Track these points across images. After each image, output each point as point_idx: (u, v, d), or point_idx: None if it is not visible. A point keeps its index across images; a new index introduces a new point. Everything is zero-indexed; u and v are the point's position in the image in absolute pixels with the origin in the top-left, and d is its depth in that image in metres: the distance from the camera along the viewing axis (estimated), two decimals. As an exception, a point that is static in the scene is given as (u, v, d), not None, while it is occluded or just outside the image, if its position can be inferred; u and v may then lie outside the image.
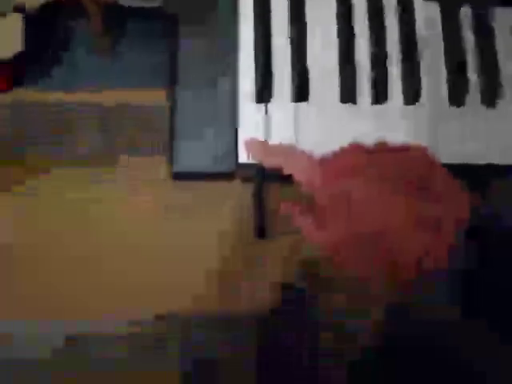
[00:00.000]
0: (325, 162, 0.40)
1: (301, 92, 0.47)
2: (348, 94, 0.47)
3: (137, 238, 0.44)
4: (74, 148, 0.48)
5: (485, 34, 0.49)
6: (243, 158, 0.46)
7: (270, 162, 0.44)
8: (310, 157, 0.41)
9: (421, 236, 0.35)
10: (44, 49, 0.53)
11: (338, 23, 0.49)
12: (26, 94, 0.50)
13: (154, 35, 0.51)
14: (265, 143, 0.46)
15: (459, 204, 0.36)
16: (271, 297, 0.42)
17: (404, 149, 0.40)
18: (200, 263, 0.44)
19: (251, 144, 0.46)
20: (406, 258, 0.35)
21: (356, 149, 0.40)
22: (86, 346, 0.39)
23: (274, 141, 0.46)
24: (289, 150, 0.43)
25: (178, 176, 0.47)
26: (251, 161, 0.46)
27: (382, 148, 0.40)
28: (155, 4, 0.57)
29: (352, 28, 0.49)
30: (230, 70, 0.47)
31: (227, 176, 0.47)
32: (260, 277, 0.43)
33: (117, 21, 0.53)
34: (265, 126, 0.46)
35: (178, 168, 0.46)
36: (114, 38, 0.54)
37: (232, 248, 0.45)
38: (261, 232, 0.48)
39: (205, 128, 0.46)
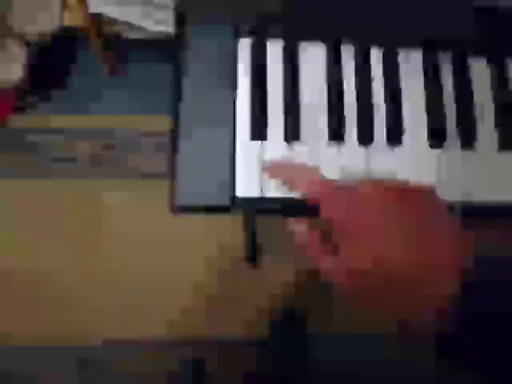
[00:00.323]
0: (343, 189, 0.42)
1: (293, 132, 0.50)
2: (336, 133, 0.51)
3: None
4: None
5: (462, 80, 0.54)
6: (240, 191, 0.48)
7: (288, 184, 0.45)
8: (326, 180, 0.43)
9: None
10: (47, 76, 0.55)
11: (328, 67, 0.52)
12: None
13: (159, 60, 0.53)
14: (288, 162, 0.48)
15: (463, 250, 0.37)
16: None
17: (420, 189, 0.41)
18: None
19: (274, 165, 0.48)
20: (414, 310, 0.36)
21: (374, 184, 0.41)
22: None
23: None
24: (307, 171, 0.45)
25: (178, 210, 0.48)
26: (248, 195, 0.48)
27: (401, 187, 0.41)
28: (161, 36, 0.60)
29: (341, 72, 0.52)
30: (229, 114, 0.50)
31: (225, 209, 0.49)
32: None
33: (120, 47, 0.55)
34: (261, 162, 0.49)
35: (179, 203, 0.48)
36: (118, 63, 0.56)
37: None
38: (253, 263, 0.50)
39: (204, 165, 0.49)
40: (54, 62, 0.59)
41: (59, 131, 0.60)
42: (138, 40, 0.61)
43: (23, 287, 0.59)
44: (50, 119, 0.60)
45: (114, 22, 0.62)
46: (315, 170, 0.46)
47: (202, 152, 0.49)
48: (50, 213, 0.63)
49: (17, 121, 0.60)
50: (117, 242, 0.58)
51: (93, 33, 0.61)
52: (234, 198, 0.48)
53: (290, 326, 0.59)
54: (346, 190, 0.42)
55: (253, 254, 0.52)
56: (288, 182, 0.46)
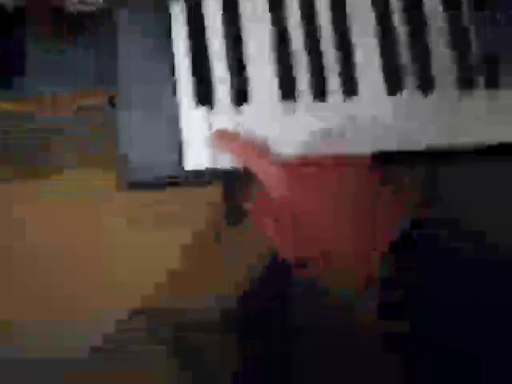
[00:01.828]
0: (289, 166, 0.41)
1: (240, 94, 0.47)
2: (287, 92, 0.48)
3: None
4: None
5: (417, 23, 0.50)
6: (189, 164, 0.46)
7: (235, 158, 0.44)
8: (273, 160, 0.42)
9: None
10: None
11: (273, 23, 0.49)
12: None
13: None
14: (235, 137, 0.46)
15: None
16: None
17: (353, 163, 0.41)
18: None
19: (222, 135, 0.46)
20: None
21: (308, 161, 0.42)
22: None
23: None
24: (254, 150, 0.43)
25: (126, 186, 0.47)
26: (198, 167, 0.46)
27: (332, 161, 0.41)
28: (93, 8, 0.56)
29: (286, 28, 0.49)
30: (170, 77, 0.47)
31: (175, 183, 0.47)
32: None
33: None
34: (208, 130, 0.46)
35: (126, 177, 0.46)
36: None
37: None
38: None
39: (149, 137, 0.46)
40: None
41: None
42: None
43: (23, 299, 0.58)
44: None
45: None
46: (263, 145, 0.44)
47: (145, 124, 0.46)
48: (45, 227, 0.61)
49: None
50: (117, 255, 0.55)
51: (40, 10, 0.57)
52: (184, 171, 0.47)
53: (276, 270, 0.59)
54: (290, 168, 0.41)
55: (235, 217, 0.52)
56: (235, 157, 0.44)
